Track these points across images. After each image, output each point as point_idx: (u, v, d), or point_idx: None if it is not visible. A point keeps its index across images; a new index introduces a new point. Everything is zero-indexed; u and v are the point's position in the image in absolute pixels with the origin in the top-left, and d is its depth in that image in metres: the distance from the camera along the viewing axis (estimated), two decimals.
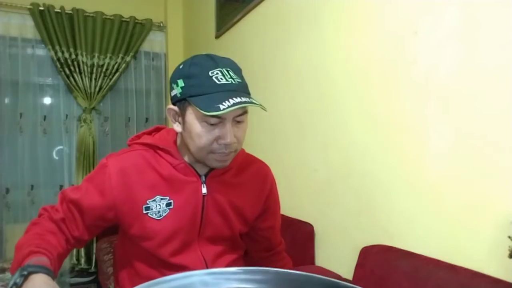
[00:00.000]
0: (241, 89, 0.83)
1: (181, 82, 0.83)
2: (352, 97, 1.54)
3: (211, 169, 0.94)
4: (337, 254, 1.58)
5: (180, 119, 0.88)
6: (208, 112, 0.77)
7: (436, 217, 1.16)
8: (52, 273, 0.70)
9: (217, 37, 2.80)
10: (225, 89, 0.79)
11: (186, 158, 0.93)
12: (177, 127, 0.90)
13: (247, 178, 1.00)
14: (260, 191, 1.02)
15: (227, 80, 0.80)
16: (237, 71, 0.87)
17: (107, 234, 2.52)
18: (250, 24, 2.35)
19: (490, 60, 1.01)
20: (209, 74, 0.80)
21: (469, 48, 1.07)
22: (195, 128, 0.83)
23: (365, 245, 1.33)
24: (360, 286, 0.54)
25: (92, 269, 3.07)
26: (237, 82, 0.82)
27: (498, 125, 0.99)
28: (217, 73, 0.80)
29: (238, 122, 0.86)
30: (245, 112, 0.86)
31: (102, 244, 2.49)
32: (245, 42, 2.42)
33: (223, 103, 0.76)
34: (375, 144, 1.39)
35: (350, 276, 1.36)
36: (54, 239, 0.84)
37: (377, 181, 1.38)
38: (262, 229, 1.07)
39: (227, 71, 0.82)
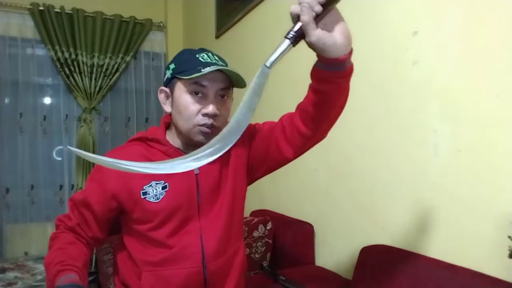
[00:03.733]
0: (224, 65, 0.94)
1: (172, 66, 0.96)
2: (352, 97, 1.53)
3: None
4: (337, 254, 1.58)
5: (170, 99, 0.98)
6: (190, 75, 0.87)
7: (436, 217, 1.16)
8: (82, 286, 0.78)
9: (217, 37, 2.80)
10: (209, 64, 0.90)
11: (174, 144, 1.00)
12: (167, 107, 0.99)
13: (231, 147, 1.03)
14: (242, 144, 1.04)
15: (211, 60, 0.93)
16: (223, 60, 0.97)
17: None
18: (250, 24, 2.35)
19: (491, 60, 1.01)
20: (196, 56, 0.93)
21: (470, 49, 1.07)
22: (182, 100, 0.93)
23: (365, 245, 1.33)
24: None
25: (92, 269, 3.06)
26: (220, 63, 0.93)
27: (498, 125, 0.99)
28: (203, 55, 0.93)
29: (222, 97, 0.94)
30: (227, 87, 0.94)
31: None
32: (245, 42, 2.41)
33: (204, 68, 0.87)
34: (375, 145, 1.39)
35: (350, 276, 1.36)
36: (76, 249, 0.91)
37: (377, 181, 1.38)
38: (269, 133, 1.04)
39: (213, 55, 0.95)
